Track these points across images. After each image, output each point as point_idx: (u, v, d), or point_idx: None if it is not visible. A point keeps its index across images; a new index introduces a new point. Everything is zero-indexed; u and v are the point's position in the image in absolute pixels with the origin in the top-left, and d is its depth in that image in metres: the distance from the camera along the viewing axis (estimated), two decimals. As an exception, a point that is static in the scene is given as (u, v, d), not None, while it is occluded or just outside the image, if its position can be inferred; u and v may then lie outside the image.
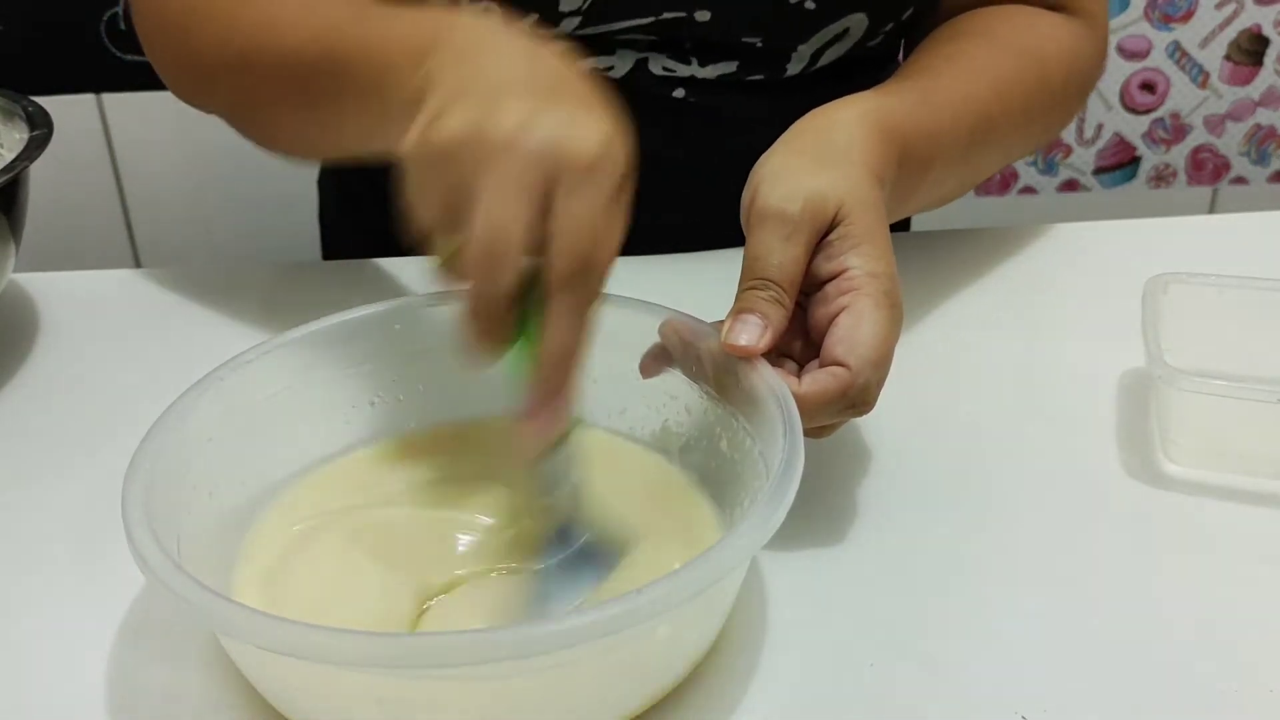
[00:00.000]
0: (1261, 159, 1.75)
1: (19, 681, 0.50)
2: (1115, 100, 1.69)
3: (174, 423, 0.51)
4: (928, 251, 0.79)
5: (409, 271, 0.78)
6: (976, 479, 0.61)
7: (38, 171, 0.68)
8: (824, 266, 0.55)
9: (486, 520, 0.55)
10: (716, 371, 0.54)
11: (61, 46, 1.45)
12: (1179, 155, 1.74)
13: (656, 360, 0.57)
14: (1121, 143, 1.72)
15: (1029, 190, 1.75)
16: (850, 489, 0.60)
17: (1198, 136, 1.72)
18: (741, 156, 0.59)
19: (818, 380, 0.52)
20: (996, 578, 0.55)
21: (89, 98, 1.49)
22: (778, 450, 0.48)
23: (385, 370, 0.59)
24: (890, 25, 0.78)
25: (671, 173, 0.80)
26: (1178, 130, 1.71)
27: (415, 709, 0.44)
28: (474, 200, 0.45)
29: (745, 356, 0.53)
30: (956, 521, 0.58)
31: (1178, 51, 1.66)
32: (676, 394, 0.57)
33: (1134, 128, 1.71)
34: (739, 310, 0.54)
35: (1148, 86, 1.68)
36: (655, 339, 0.56)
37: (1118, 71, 1.66)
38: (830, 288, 0.54)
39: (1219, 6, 1.63)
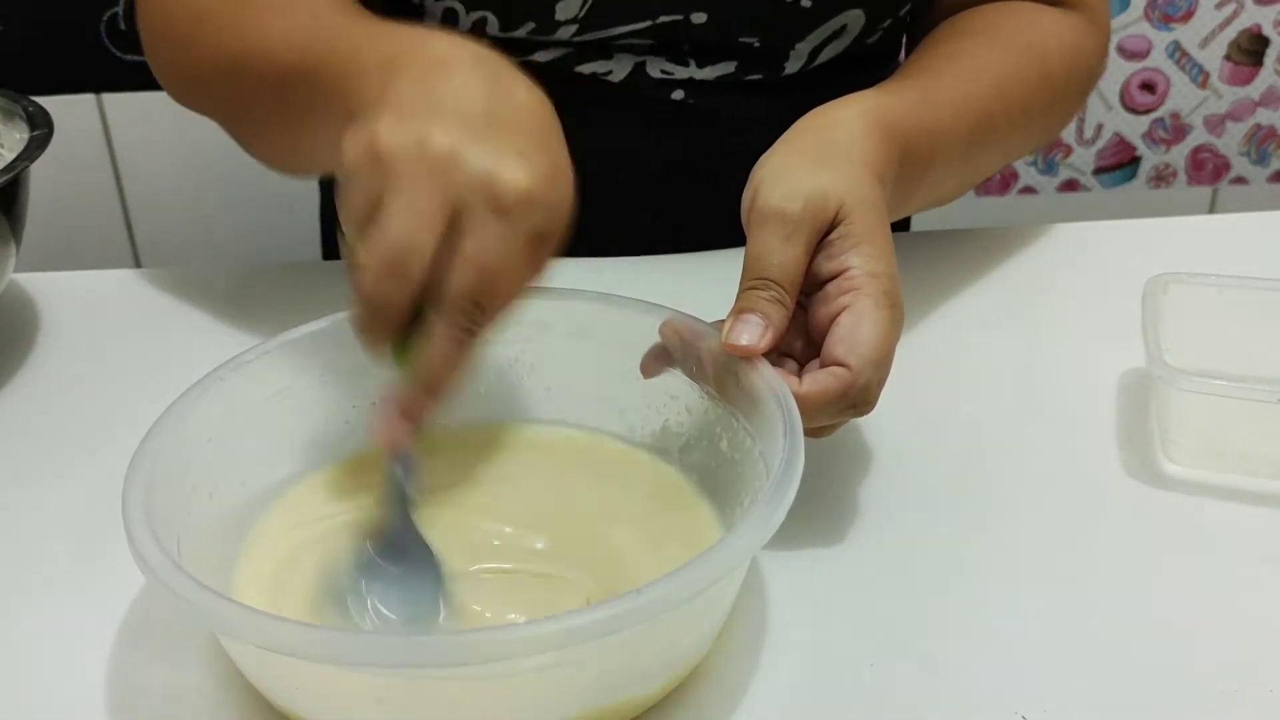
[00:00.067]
0: (1261, 159, 1.75)
1: (19, 681, 0.50)
2: (1115, 100, 1.69)
3: (174, 423, 0.51)
4: (928, 251, 0.79)
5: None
6: (976, 479, 0.61)
7: (38, 171, 0.68)
8: (825, 266, 0.55)
9: (485, 520, 0.55)
10: (717, 371, 0.54)
11: (61, 46, 1.45)
12: (1179, 155, 1.74)
13: (657, 360, 0.57)
14: (1121, 143, 1.72)
15: (1029, 190, 1.75)
16: (850, 489, 0.60)
17: (1198, 136, 1.72)
18: (741, 157, 0.59)
19: (818, 380, 0.52)
20: (996, 578, 0.55)
21: (89, 98, 1.49)
22: (778, 450, 0.48)
23: (385, 370, 0.59)
24: (888, 22, 0.77)
25: (671, 174, 0.80)
26: (1178, 130, 1.71)
27: (415, 709, 0.44)
28: (387, 211, 0.46)
29: (746, 356, 0.53)
30: (956, 521, 0.58)
31: (1178, 51, 1.66)
32: (677, 394, 0.57)
33: (1134, 128, 1.71)
34: (739, 310, 0.54)
35: (1148, 86, 1.68)
36: (655, 339, 0.56)
37: (1118, 71, 1.66)
38: (831, 287, 0.54)
39: (1219, 6, 1.63)
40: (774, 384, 0.51)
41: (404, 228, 0.46)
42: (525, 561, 0.53)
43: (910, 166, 0.61)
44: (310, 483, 0.57)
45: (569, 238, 0.49)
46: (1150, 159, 1.73)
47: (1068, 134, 1.70)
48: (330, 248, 1.02)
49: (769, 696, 0.49)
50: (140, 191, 1.57)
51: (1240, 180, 1.76)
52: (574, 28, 0.73)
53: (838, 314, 0.53)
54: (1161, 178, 1.75)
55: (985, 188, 1.72)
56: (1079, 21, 0.76)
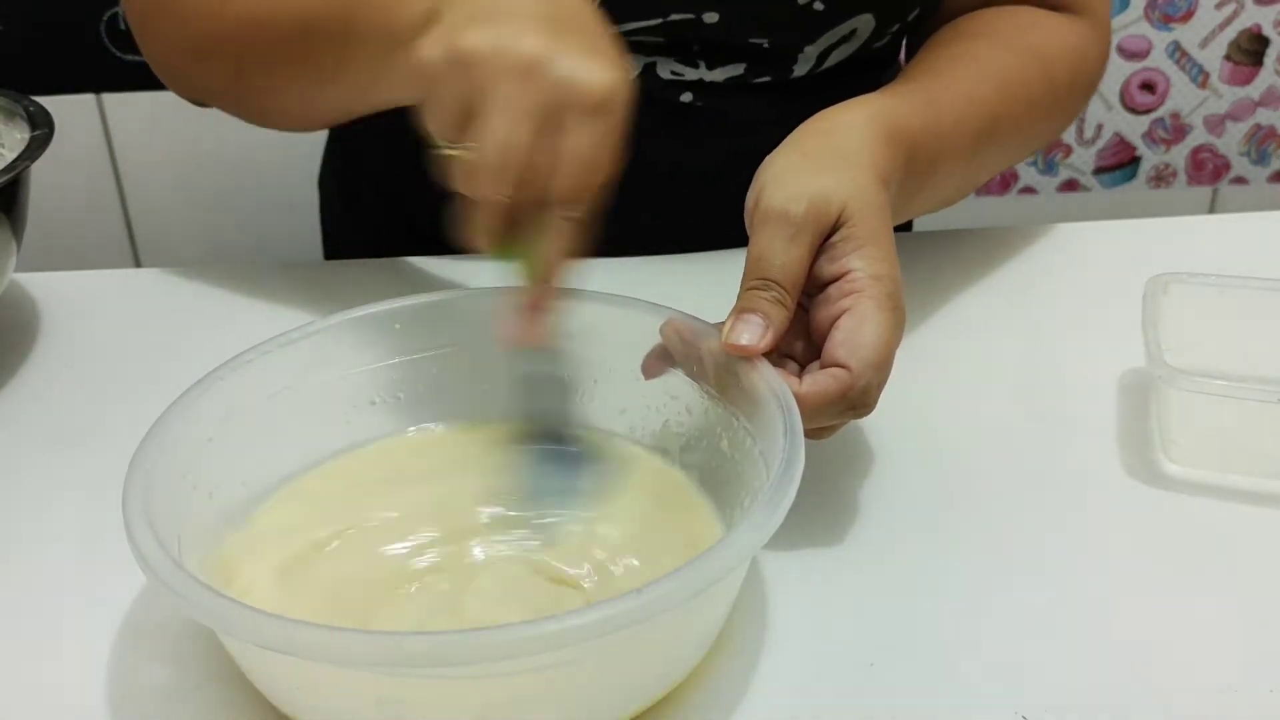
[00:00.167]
0: (1261, 159, 1.75)
1: (19, 681, 0.50)
2: (1115, 100, 1.69)
3: (174, 423, 0.51)
4: (928, 252, 0.79)
5: (409, 271, 0.78)
6: (976, 479, 0.61)
7: (38, 171, 0.68)
8: (827, 268, 0.55)
9: (484, 519, 0.55)
10: (717, 371, 0.54)
11: (61, 46, 1.45)
12: (1179, 155, 1.74)
13: (658, 361, 0.57)
14: (1121, 143, 1.72)
15: (1029, 190, 1.75)
16: (850, 489, 0.60)
17: (1198, 136, 1.72)
18: (747, 158, 0.59)
19: (818, 381, 0.52)
20: (996, 578, 0.55)
21: (89, 98, 1.49)
22: (778, 450, 0.48)
23: (385, 370, 0.59)
24: (896, 26, 0.78)
25: (676, 175, 0.80)
26: (1178, 130, 1.71)
27: (415, 709, 0.44)
28: (487, 114, 0.49)
29: (746, 356, 0.53)
30: (956, 521, 0.58)
31: (1178, 51, 1.66)
32: (677, 394, 0.57)
33: (1134, 128, 1.71)
34: (741, 310, 0.54)
35: (1148, 86, 1.68)
36: (656, 339, 0.56)
37: (1118, 71, 1.66)
38: (833, 289, 0.54)
39: (1219, 6, 1.63)
40: (774, 384, 0.51)
41: (503, 130, 0.49)
42: (525, 561, 0.53)
43: (914, 169, 0.61)
44: (311, 482, 0.57)
45: (595, 242, 0.52)
46: (1150, 159, 1.73)
47: (1068, 134, 1.71)
48: (331, 248, 1.02)
49: (769, 696, 0.49)
50: (140, 191, 1.57)
51: (1240, 180, 1.76)
52: None
53: (839, 316, 0.53)
54: (1161, 178, 1.75)
55: (985, 188, 1.72)
56: (1080, 25, 0.76)
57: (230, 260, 1.61)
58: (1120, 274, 0.72)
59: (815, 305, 0.55)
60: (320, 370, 0.57)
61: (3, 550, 0.57)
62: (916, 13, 0.77)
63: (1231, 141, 1.73)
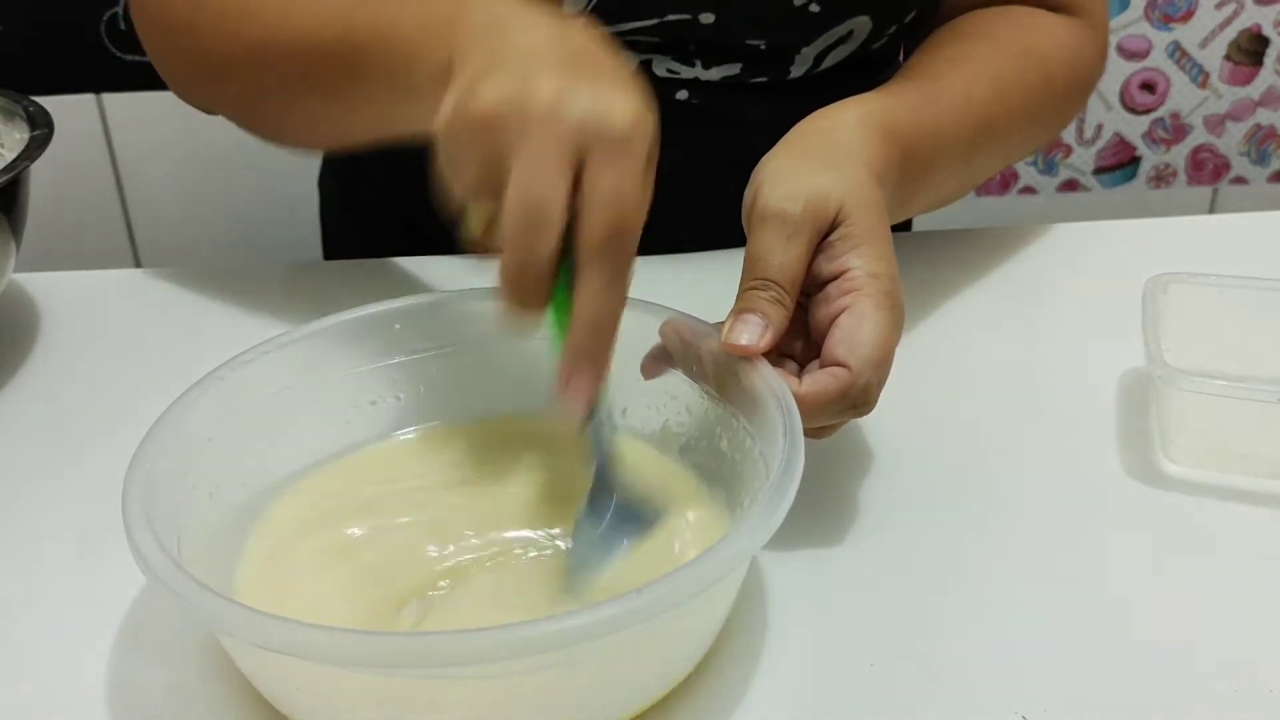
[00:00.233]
0: (1261, 159, 1.75)
1: (19, 681, 0.50)
2: (1115, 100, 1.69)
3: (174, 422, 0.51)
4: (928, 251, 0.79)
5: (409, 271, 0.78)
6: (976, 479, 0.61)
7: (38, 171, 0.68)
8: (825, 267, 0.55)
9: (484, 518, 0.55)
10: (717, 371, 0.54)
11: (61, 46, 1.45)
12: (1179, 155, 1.74)
13: (657, 361, 0.57)
14: (1121, 143, 1.72)
15: (1029, 190, 1.75)
16: (850, 489, 0.60)
17: (1198, 136, 1.72)
18: (744, 158, 0.59)
19: (818, 380, 0.52)
20: (996, 578, 0.55)
21: (89, 98, 1.49)
22: (778, 450, 0.48)
23: (385, 370, 0.59)
24: (894, 28, 0.78)
25: (673, 174, 0.79)
26: (1178, 130, 1.71)
27: (415, 709, 0.44)
28: (511, 170, 0.47)
29: (746, 356, 0.53)
30: (956, 521, 0.58)
31: (1178, 51, 1.66)
32: (677, 394, 0.57)
33: (1134, 128, 1.71)
34: (740, 310, 0.54)
35: (1148, 86, 1.68)
36: (655, 339, 0.56)
37: (1118, 71, 1.66)
38: (831, 288, 0.54)
39: (1219, 6, 1.63)
40: (774, 384, 0.51)
41: (535, 183, 0.46)
42: (524, 561, 0.53)
43: (911, 168, 0.61)
44: (311, 482, 0.57)
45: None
46: (1150, 159, 1.73)
47: (1068, 134, 1.70)
48: (331, 248, 1.02)
49: (769, 696, 0.49)
50: (140, 191, 1.57)
51: (1240, 180, 1.76)
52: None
53: (838, 315, 0.53)
54: (1161, 178, 1.75)
55: (985, 188, 1.72)
56: (1078, 25, 0.76)
57: (230, 260, 1.61)
58: (1120, 274, 0.72)
59: (814, 304, 0.55)
60: (320, 370, 0.57)
61: (3, 550, 0.57)
62: (914, 14, 0.77)
63: (1231, 141, 1.73)
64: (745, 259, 0.55)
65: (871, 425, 0.63)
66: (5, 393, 0.68)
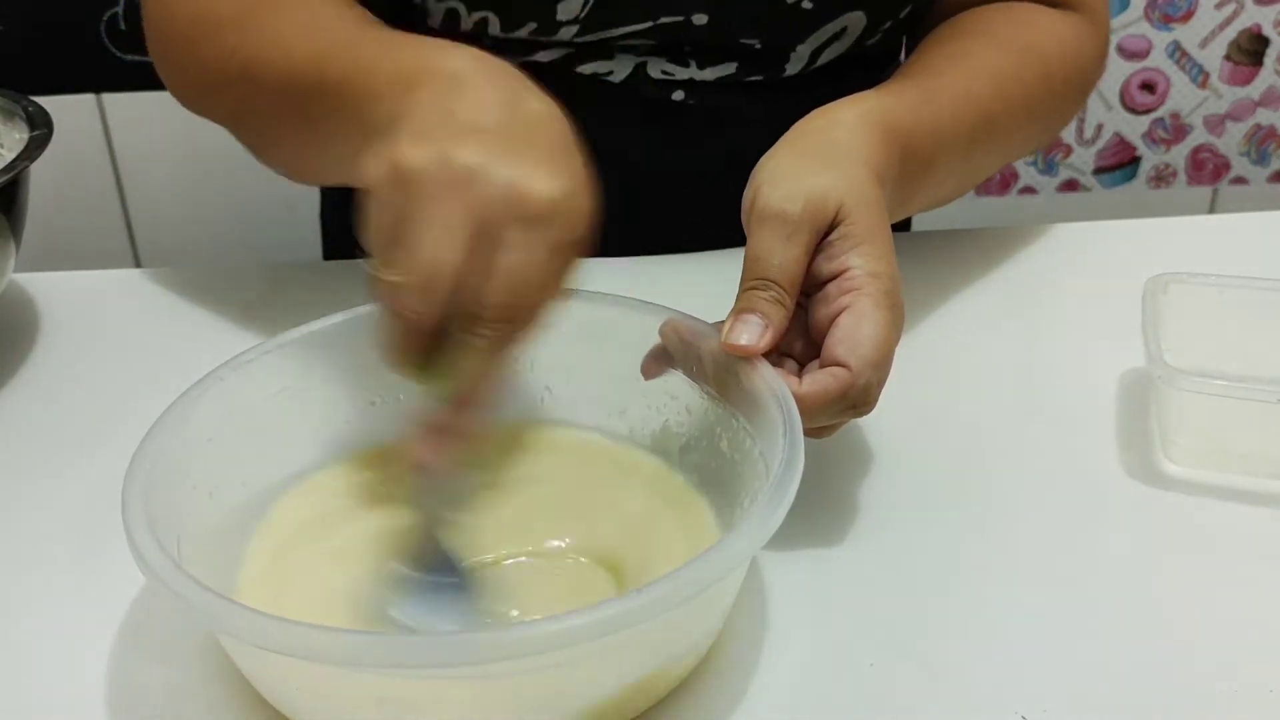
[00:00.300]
0: (1261, 159, 1.75)
1: (19, 681, 0.50)
2: (1115, 100, 1.69)
3: (174, 423, 0.51)
4: (928, 251, 0.79)
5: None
6: (976, 479, 0.61)
7: (38, 171, 0.68)
8: (825, 266, 0.55)
9: (483, 518, 0.55)
10: (717, 371, 0.54)
11: (61, 46, 1.45)
12: (1179, 155, 1.74)
13: (658, 361, 0.57)
14: (1121, 143, 1.72)
15: (1029, 190, 1.75)
16: (850, 489, 0.60)
17: (1198, 136, 1.72)
18: (741, 157, 0.59)
19: (818, 380, 0.52)
20: (996, 578, 0.55)
21: (89, 98, 1.49)
22: (778, 450, 0.48)
23: (386, 371, 0.59)
24: (889, 23, 0.77)
25: (671, 174, 0.80)
26: (1178, 130, 1.71)
27: (415, 709, 0.44)
28: (416, 230, 0.46)
29: (746, 356, 0.53)
30: (956, 521, 0.58)
31: (1178, 51, 1.66)
32: (677, 394, 0.57)
33: (1134, 128, 1.71)
34: (739, 310, 0.54)
35: (1148, 86, 1.68)
36: (655, 339, 0.56)
37: (1118, 71, 1.66)
38: (831, 288, 0.54)
39: (1219, 6, 1.63)
40: (774, 384, 0.51)
41: (432, 246, 0.46)
42: (526, 562, 0.53)
43: (911, 167, 0.61)
44: (311, 482, 0.57)
45: (592, 245, 0.49)
46: (1150, 159, 1.74)
47: (1068, 134, 1.70)
48: (330, 248, 1.02)
49: (769, 696, 0.49)
50: (140, 191, 1.57)
51: (1240, 180, 1.76)
52: (575, 28, 0.73)
53: (838, 314, 0.53)
54: (1161, 178, 1.75)
55: (985, 188, 1.72)
56: (1078, 22, 0.76)
57: (230, 260, 1.61)
58: (1120, 274, 0.72)
59: (814, 304, 0.55)
60: (320, 370, 0.57)
61: (3, 550, 0.57)
62: (909, 10, 0.77)
63: (1231, 141, 1.73)
64: (745, 259, 0.55)
65: (871, 425, 0.63)
66: (5, 393, 0.68)
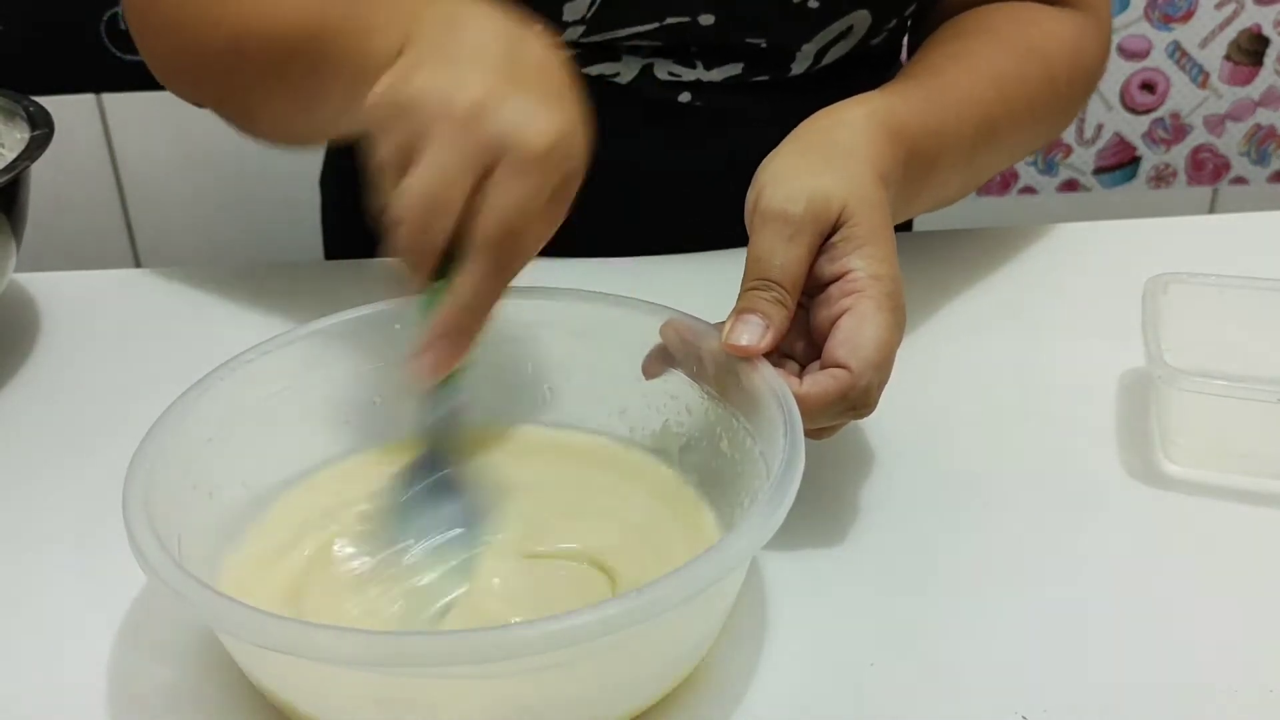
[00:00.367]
0: (1261, 159, 1.75)
1: (19, 681, 0.50)
2: (1115, 100, 1.69)
3: (174, 423, 0.51)
4: (928, 251, 0.79)
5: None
6: (976, 479, 0.61)
7: (38, 171, 0.68)
8: (827, 268, 0.55)
9: (488, 518, 0.55)
10: (717, 372, 0.54)
11: (61, 46, 1.45)
12: (1179, 155, 1.74)
13: (658, 361, 0.57)
14: (1121, 143, 1.72)
15: (1029, 190, 1.75)
16: (850, 489, 0.60)
17: (1198, 136, 1.72)
18: (746, 158, 0.59)
19: (819, 381, 0.52)
20: (996, 578, 0.55)
21: (89, 98, 1.50)
22: (778, 450, 0.48)
23: (386, 370, 0.59)
24: (893, 22, 0.78)
25: (676, 175, 0.80)
26: (1178, 130, 1.72)
27: (415, 709, 0.44)
28: (421, 159, 0.48)
29: (746, 356, 0.53)
30: (956, 521, 0.58)
31: (1178, 51, 1.66)
32: (677, 394, 0.57)
33: (1134, 128, 1.71)
34: (741, 310, 0.54)
35: (1148, 86, 1.68)
36: (656, 339, 0.56)
37: (1118, 71, 1.66)
38: (833, 289, 0.54)
39: (1219, 6, 1.63)
40: (774, 384, 0.51)
41: (438, 178, 0.48)
42: (524, 561, 0.53)
43: (915, 167, 0.61)
44: (311, 483, 0.57)
45: (569, 240, 0.50)
46: (1150, 159, 1.74)
47: (1068, 134, 1.71)
48: (332, 248, 1.02)
49: (769, 696, 0.49)
50: (140, 191, 1.57)
51: (1240, 180, 1.76)
52: (581, 29, 0.73)
53: (839, 316, 0.53)
54: (1161, 178, 1.75)
55: (985, 188, 1.72)
56: (1081, 21, 0.76)
57: (230, 260, 1.61)
58: (1120, 274, 0.72)
59: (815, 305, 0.55)
60: (320, 370, 0.57)
61: (3, 550, 0.57)
62: (913, 8, 0.77)
63: (1231, 141, 1.73)
64: (747, 259, 0.55)
65: (871, 425, 0.63)
66: (5, 393, 0.68)
